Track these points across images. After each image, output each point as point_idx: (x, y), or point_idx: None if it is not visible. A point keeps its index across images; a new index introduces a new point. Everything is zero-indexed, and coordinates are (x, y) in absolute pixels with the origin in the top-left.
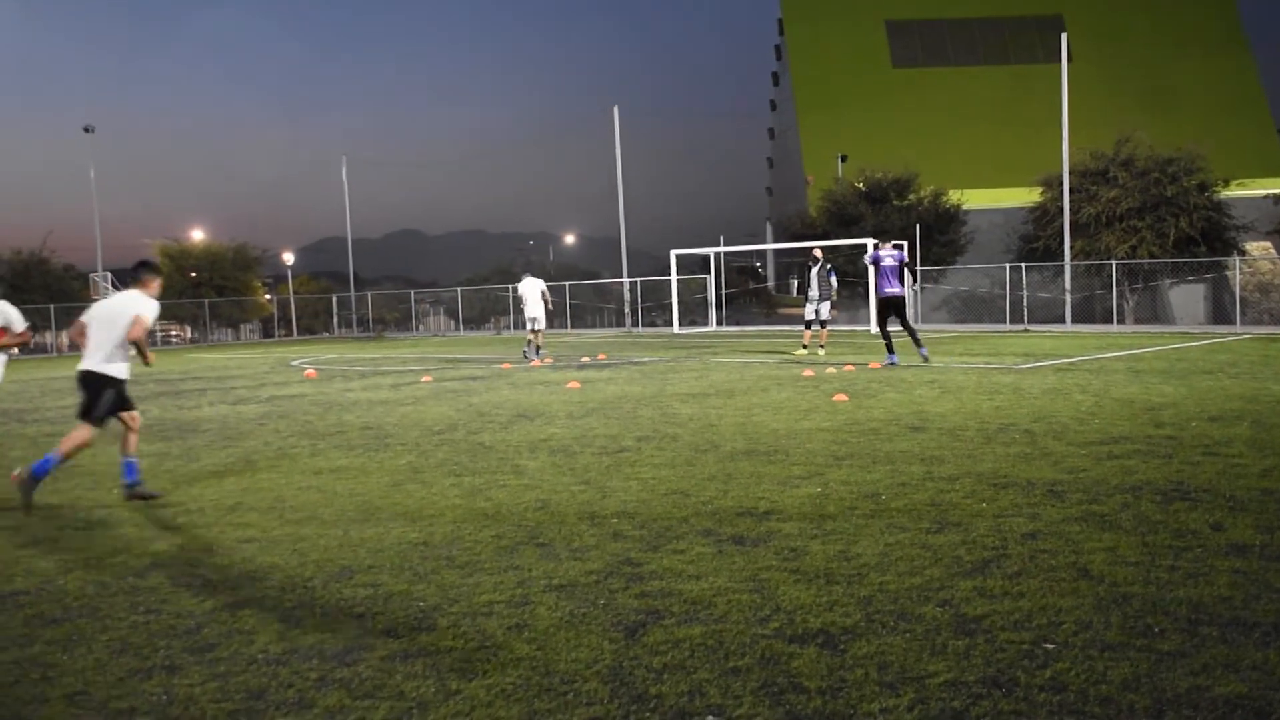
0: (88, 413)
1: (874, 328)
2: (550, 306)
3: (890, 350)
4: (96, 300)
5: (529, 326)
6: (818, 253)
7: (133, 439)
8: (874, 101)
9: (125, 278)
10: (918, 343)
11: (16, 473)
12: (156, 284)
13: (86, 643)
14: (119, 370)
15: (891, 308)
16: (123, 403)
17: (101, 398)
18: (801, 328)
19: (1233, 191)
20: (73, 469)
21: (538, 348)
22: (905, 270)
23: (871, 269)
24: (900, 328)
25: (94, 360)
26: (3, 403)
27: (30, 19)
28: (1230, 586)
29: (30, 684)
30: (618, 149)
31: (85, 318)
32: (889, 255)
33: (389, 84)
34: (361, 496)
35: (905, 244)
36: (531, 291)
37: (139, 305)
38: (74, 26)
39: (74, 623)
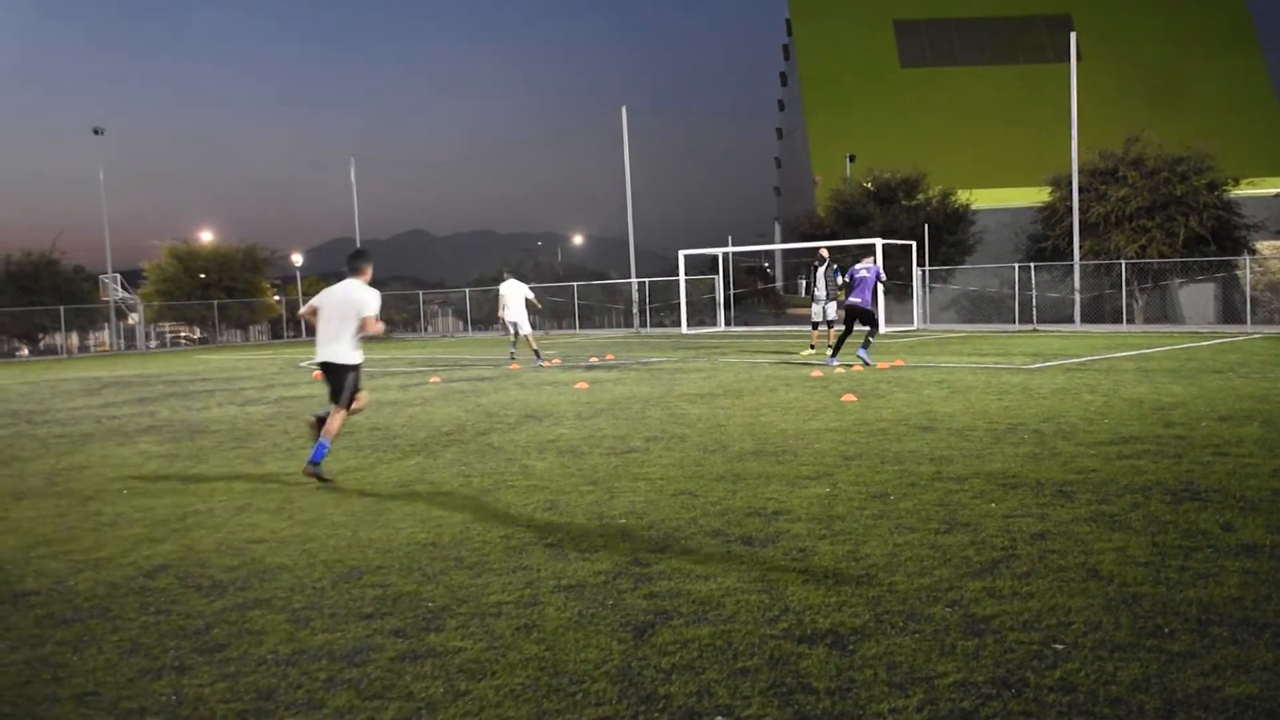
0: (336, 398)
1: (836, 326)
2: (540, 306)
3: (835, 353)
4: (108, 302)
5: (512, 331)
6: (824, 252)
7: (336, 422)
8: (882, 101)
9: (136, 279)
10: (866, 343)
11: (307, 469)
12: (370, 271)
13: (97, 643)
14: (355, 358)
15: (858, 316)
16: (357, 385)
17: (345, 384)
18: (809, 328)
19: (1243, 190)
20: (81, 472)
21: (535, 351)
22: (879, 284)
23: (847, 281)
24: (867, 327)
25: (332, 351)
26: (13, 404)
27: (39, 21)
28: (1241, 587)
29: (41, 684)
30: (626, 149)
31: (316, 302)
32: (864, 269)
33: (396, 84)
34: (370, 497)
35: (877, 259)
36: (514, 294)
37: (366, 303)
38: (80, 28)
39: (84, 623)
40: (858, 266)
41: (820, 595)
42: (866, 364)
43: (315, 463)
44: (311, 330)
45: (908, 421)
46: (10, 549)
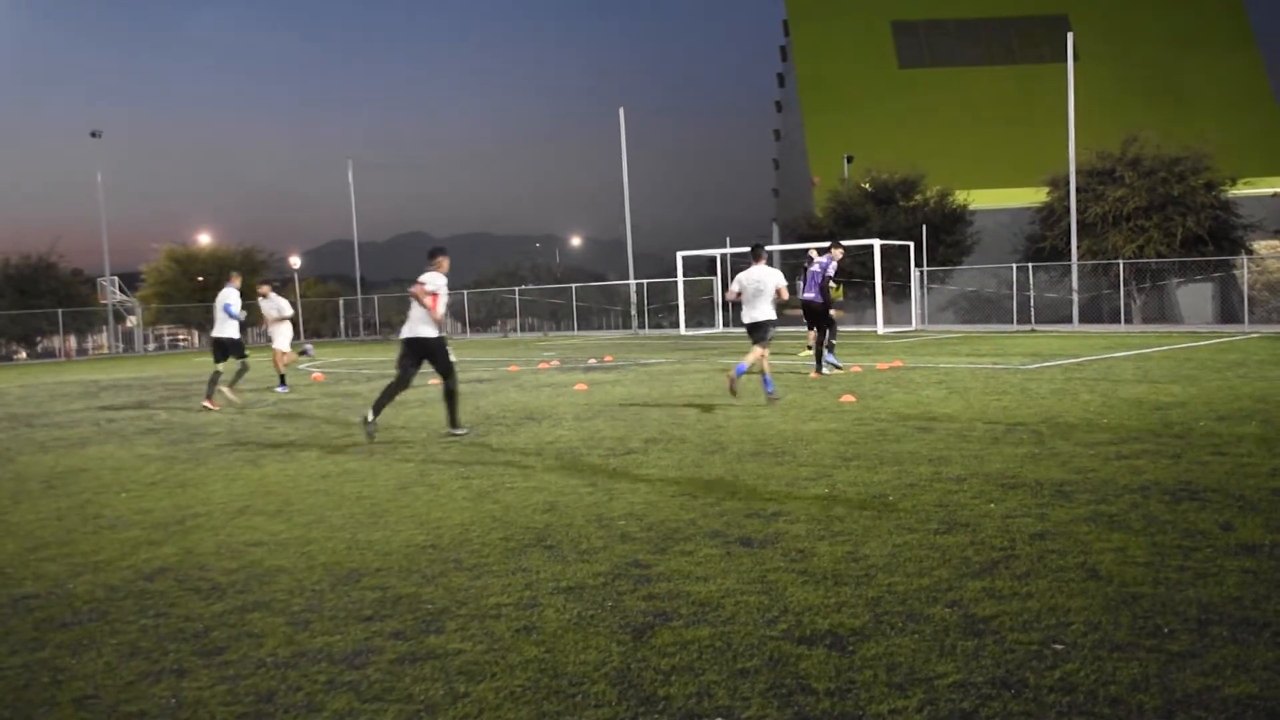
0: (760, 342)
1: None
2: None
3: (819, 364)
4: (106, 305)
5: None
6: (814, 253)
7: (754, 356)
8: (880, 102)
9: (135, 282)
10: (818, 361)
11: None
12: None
13: (96, 646)
14: (771, 314)
15: (810, 315)
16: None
17: (765, 334)
18: (805, 330)
19: (1240, 190)
20: (79, 474)
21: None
22: (828, 280)
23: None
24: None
25: (756, 313)
26: (11, 407)
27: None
28: (1240, 586)
29: (40, 688)
30: (623, 151)
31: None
32: (816, 263)
33: (394, 87)
34: (369, 499)
35: (831, 254)
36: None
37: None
38: (78, 30)
39: (83, 626)
40: (811, 260)
41: (819, 596)
42: (837, 368)
43: (770, 394)
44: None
45: (906, 422)
46: (9, 552)
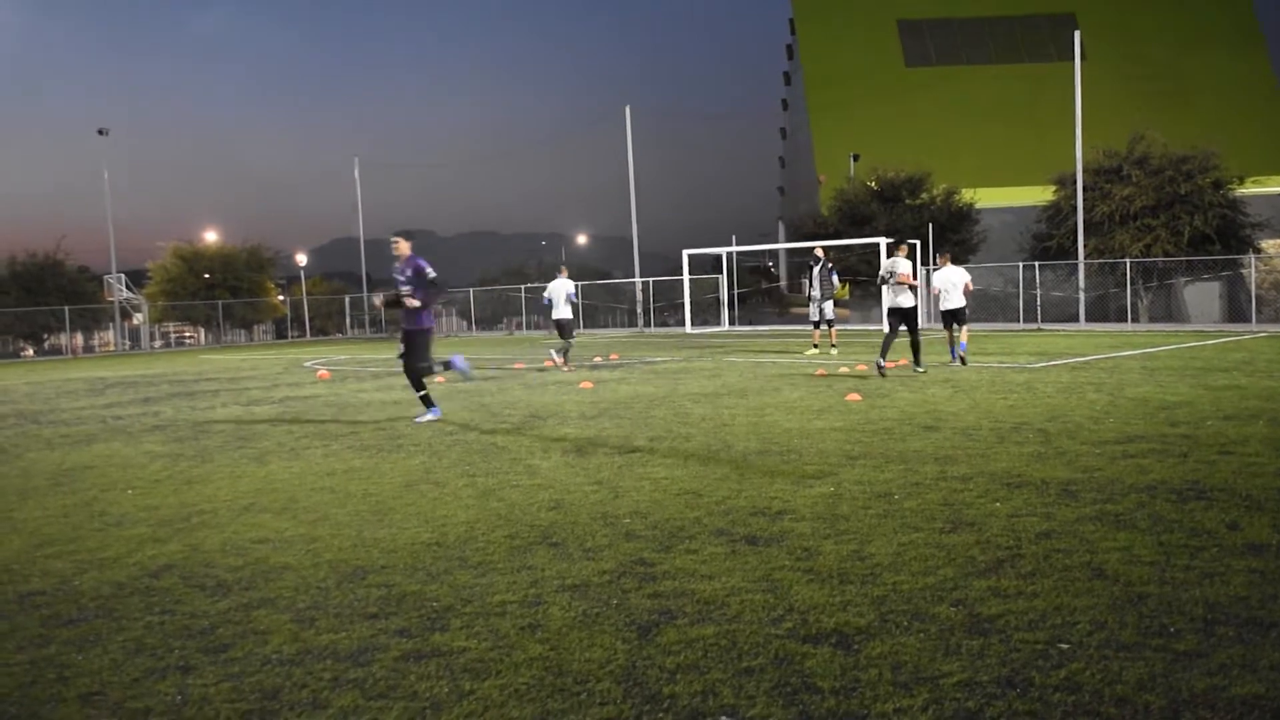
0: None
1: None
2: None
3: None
4: (112, 302)
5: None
6: (819, 252)
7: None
8: (886, 100)
9: (141, 279)
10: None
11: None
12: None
13: (102, 643)
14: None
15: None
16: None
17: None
18: (810, 328)
19: (1248, 189)
20: (86, 471)
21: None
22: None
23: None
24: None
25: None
26: (18, 404)
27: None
28: (1247, 586)
29: (46, 684)
30: (629, 149)
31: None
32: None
33: (400, 85)
34: (375, 497)
35: (820, 256)
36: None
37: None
38: (85, 28)
39: (89, 623)
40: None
41: (825, 595)
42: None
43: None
44: (309, 331)
45: (912, 421)
46: (16, 549)
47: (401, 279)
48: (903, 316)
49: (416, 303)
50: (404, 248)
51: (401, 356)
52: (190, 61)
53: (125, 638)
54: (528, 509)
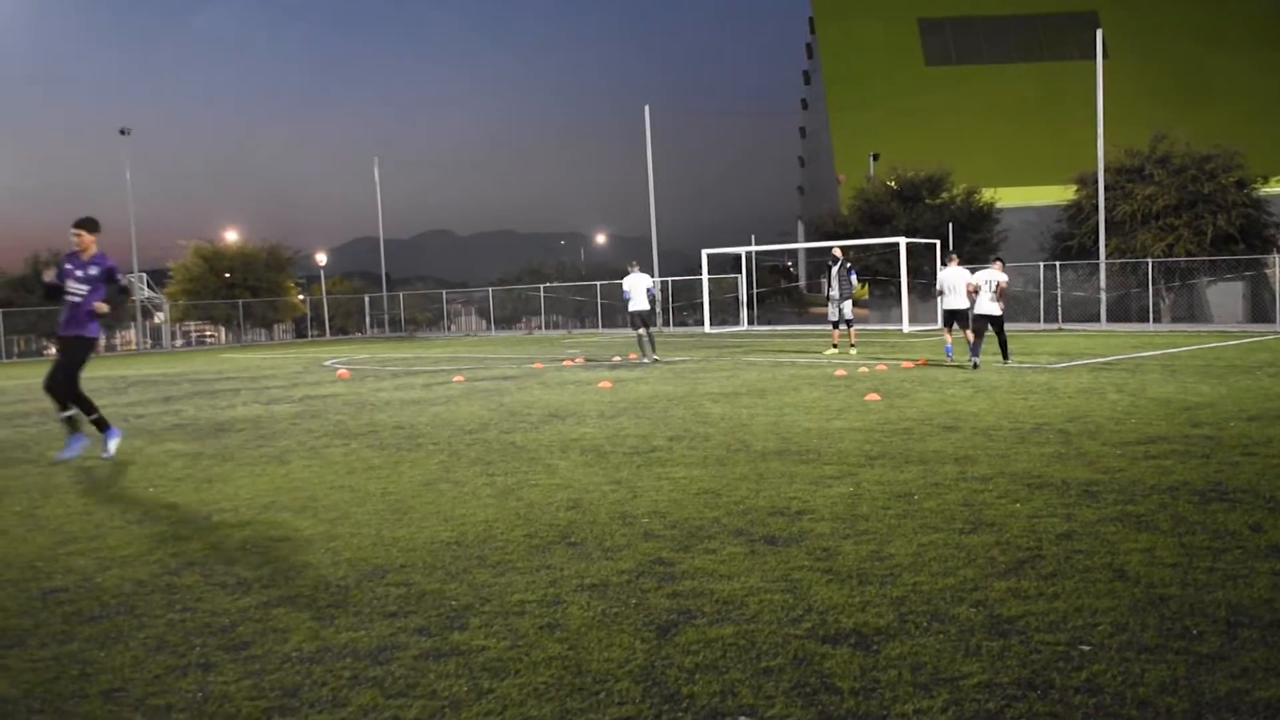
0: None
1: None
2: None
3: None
4: (134, 301)
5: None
6: (837, 252)
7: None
8: (906, 99)
9: (162, 279)
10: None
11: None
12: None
13: (124, 640)
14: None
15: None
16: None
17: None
18: (829, 328)
19: (1272, 188)
20: (107, 469)
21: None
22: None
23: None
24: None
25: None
26: (41, 402)
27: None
28: (1270, 588)
29: (69, 680)
30: (649, 148)
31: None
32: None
33: (419, 84)
34: (394, 496)
35: (839, 256)
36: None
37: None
38: (106, 27)
39: (112, 620)
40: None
41: (844, 595)
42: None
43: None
44: (329, 330)
45: (932, 421)
46: (39, 546)
47: (80, 275)
48: (988, 320)
49: (106, 308)
50: (88, 240)
51: (57, 367)
52: (212, 60)
53: (147, 635)
54: (546, 508)
